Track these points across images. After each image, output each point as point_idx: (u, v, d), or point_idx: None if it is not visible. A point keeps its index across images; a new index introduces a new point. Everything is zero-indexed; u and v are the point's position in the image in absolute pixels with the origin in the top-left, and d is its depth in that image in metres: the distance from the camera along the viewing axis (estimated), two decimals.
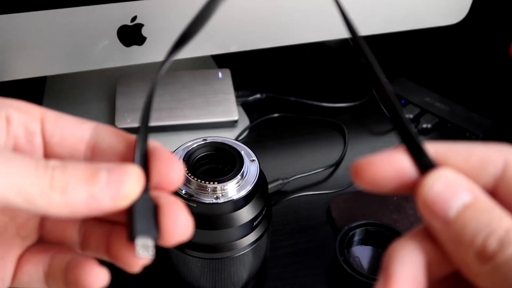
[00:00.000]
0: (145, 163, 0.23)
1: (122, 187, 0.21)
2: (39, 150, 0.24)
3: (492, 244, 0.18)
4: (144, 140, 0.23)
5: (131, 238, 0.22)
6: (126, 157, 0.24)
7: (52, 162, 0.20)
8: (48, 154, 0.24)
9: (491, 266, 0.18)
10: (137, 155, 0.22)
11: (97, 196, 0.20)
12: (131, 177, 0.21)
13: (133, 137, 0.24)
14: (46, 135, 0.24)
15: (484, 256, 0.18)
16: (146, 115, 0.24)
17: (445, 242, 0.19)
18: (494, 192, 0.20)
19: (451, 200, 0.19)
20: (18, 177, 0.19)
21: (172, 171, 0.22)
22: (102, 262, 0.27)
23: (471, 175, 0.20)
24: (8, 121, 0.22)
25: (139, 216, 0.21)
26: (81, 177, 0.20)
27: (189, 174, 0.37)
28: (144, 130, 0.23)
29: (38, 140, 0.23)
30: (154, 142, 0.24)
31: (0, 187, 0.19)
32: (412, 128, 0.22)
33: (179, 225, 0.22)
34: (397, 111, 0.22)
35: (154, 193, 0.22)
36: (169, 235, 0.22)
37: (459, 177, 0.19)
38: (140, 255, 0.23)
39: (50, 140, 0.23)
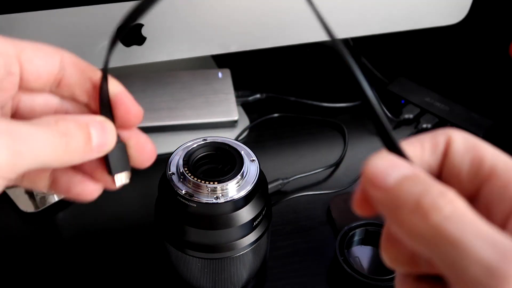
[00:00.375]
0: (110, 109, 0.28)
1: (106, 143, 0.27)
2: (16, 87, 0.28)
3: (427, 201, 0.19)
4: (106, 91, 0.28)
5: (111, 174, 0.29)
6: (91, 95, 0.29)
7: (62, 128, 0.25)
8: (23, 88, 0.28)
9: (422, 223, 0.18)
10: (106, 108, 0.28)
11: (91, 152, 0.26)
12: (110, 133, 0.27)
13: (96, 73, 0.30)
14: (24, 74, 0.27)
15: (418, 213, 0.19)
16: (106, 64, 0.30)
17: (383, 210, 0.20)
18: (442, 170, 0.22)
19: (391, 172, 0.20)
20: (43, 147, 0.24)
21: (132, 116, 0.28)
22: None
23: (427, 161, 0.22)
24: None
25: (113, 157, 0.28)
26: (83, 142, 0.26)
27: (189, 174, 0.37)
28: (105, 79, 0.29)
29: (17, 79, 0.27)
30: (114, 84, 0.29)
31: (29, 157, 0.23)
32: (390, 131, 0.23)
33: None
34: (377, 115, 0.23)
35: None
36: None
37: (401, 159, 0.21)
38: (119, 184, 0.30)
39: (27, 78, 0.28)
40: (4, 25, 0.47)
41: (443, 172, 0.22)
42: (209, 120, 0.60)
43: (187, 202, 0.36)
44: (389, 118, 0.63)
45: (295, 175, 0.55)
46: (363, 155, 0.60)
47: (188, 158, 0.38)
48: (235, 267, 0.40)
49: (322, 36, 0.59)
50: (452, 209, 0.18)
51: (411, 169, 0.20)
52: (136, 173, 0.59)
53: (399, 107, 0.64)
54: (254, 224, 0.39)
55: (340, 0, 0.55)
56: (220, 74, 0.64)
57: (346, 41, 0.72)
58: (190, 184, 0.37)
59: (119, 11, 0.49)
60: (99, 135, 0.26)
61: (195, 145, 0.39)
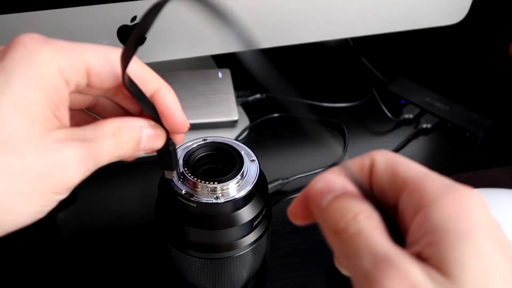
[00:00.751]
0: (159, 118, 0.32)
1: (153, 147, 0.31)
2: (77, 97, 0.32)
3: (340, 224, 0.23)
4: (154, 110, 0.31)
5: (160, 168, 0.34)
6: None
7: (119, 137, 0.29)
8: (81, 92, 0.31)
9: (338, 240, 0.24)
10: (155, 120, 0.32)
11: (138, 151, 0.31)
12: (159, 138, 0.31)
13: (157, 82, 0.32)
14: (89, 84, 0.30)
15: (335, 232, 0.24)
16: None
17: (319, 224, 0.25)
18: (372, 188, 0.26)
19: (326, 194, 0.24)
20: (104, 152, 0.29)
21: (179, 127, 0.32)
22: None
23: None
24: (61, 72, 0.28)
25: (161, 155, 0.32)
26: (133, 144, 0.30)
27: (189, 174, 0.37)
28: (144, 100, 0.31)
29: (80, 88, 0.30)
30: (169, 96, 0.32)
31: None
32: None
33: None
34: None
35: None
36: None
37: (338, 177, 0.25)
38: (167, 177, 0.36)
39: (90, 87, 0.30)
40: (4, 25, 0.47)
41: (373, 189, 0.26)
42: (209, 120, 0.60)
43: (187, 202, 0.36)
44: (389, 118, 0.63)
45: (295, 175, 0.55)
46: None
47: (188, 158, 0.38)
48: (235, 267, 0.40)
49: (322, 36, 0.59)
50: (355, 229, 0.23)
51: (343, 187, 0.25)
52: (136, 173, 0.59)
53: (399, 107, 0.64)
54: (254, 224, 0.39)
55: (340, 0, 0.55)
56: (220, 74, 0.64)
57: (346, 41, 0.72)
58: (190, 184, 0.37)
59: (119, 11, 0.50)
60: (148, 140, 0.30)
61: (195, 145, 0.39)
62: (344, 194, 0.24)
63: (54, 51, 0.28)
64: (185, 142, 0.40)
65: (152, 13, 0.26)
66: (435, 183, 0.24)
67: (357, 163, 0.27)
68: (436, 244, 0.22)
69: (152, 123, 0.31)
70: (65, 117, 0.29)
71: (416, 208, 0.23)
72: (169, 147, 0.32)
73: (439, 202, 0.23)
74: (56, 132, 0.27)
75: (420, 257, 0.22)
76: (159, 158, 0.33)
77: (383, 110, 0.63)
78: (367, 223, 0.23)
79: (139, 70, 0.30)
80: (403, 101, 0.65)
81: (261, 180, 0.39)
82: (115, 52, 0.29)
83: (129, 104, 0.33)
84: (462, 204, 0.22)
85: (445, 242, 0.22)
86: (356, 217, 0.23)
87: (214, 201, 0.36)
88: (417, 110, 0.64)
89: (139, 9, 0.50)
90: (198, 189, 0.37)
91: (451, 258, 0.21)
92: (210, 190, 0.36)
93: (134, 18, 0.50)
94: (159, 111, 0.31)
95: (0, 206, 0.26)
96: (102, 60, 0.29)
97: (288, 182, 0.55)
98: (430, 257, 0.22)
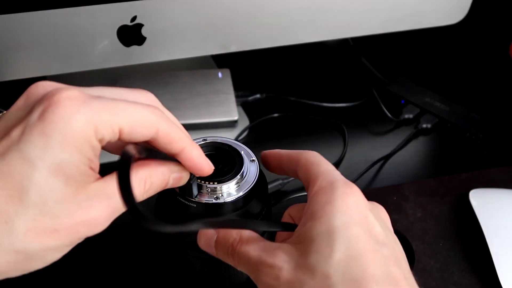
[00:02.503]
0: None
1: (178, 184, 0.34)
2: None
3: (229, 259, 0.33)
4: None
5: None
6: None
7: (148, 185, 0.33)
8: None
9: (238, 266, 0.33)
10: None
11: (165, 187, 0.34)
12: (184, 179, 0.34)
13: (184, 143, 0.33)
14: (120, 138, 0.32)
15: (229, 254, 0.33)
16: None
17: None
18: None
19: (210, 247, 0.34)
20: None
21: (206, 173, 0.35)
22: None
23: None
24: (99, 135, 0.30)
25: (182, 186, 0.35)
26: (162, 186, 0.33)
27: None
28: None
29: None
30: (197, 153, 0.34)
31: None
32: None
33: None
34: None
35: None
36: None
37: (211, 231, 0.34)
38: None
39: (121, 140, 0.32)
40: (4, 25, 0.47)
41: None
42: (209, 120, 0.60)
43: (187, 202, 0.36)
44: (389, 118, 0.63)
45: None
46: (363, 155, 0.60)
47: None
48: (235, 267, 0.40)
49: (322, 36, 0.59)
50: (236, 256, 0.33)
51: (215, 237, 0.34)
52: None
53: (399, 107, 0.64)
54: None
55: (340, 0, 0.55)
56: (220, 74, 0.64)
57: (346, 41, 0.72)
58: None
59: (119, 11, 0.50)
60: (174, 182, 0.33)
61: None
62: (218, 235, 0.33)
63: (91, 114, 0.29)
64: None
65: (123, 169, 0.28)
66: (324, 179, 0.33)
67: (290, 156, 0.37)
68: (301, 225, 0.31)
69: (180, 166, 0.33)
70: (97, 164, 0.31)
71: (310, 197, 0.33)
72: (190, 181, 0.35)
73: (317, 194, 0.32)
74: (89, 188, 0.30)
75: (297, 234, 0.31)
76: (180, 186, 0.36)
77: (383, 110, 0.63)
78: (239, 247, 0.32)
79: (169, 131, 0.32)
80: (403, 101, 0.65)
81: (261, 180, 0.39)
82: (149, 112, 0.31)
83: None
84: (330, 197, 0.31)
85: (304, 222, 0.31)
86: (232, 246, 0.33)
87: (214, 201, 0.36)
88: (417, 110, 0.64)
89: (139, 9, 0.50)
90: (198, 189, 0.37)
91: (304, 233, 0.30)
92: (210, 190, 0.36)
93: (134, 18, 0.50)
94: (186, 167, 0.34)
95: (28, 257, 0.29)
96: (135, 121, 0.30)
97: (288, 182, 0.55)
98: (297, 233, 0.31)
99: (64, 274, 0.48)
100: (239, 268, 0.33)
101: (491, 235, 0.48)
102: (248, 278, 0.43)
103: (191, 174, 0.35)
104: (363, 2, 0.56)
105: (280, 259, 0.30)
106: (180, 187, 0.36)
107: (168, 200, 0.38)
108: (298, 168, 0.35)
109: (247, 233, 0.33)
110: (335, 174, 0.33)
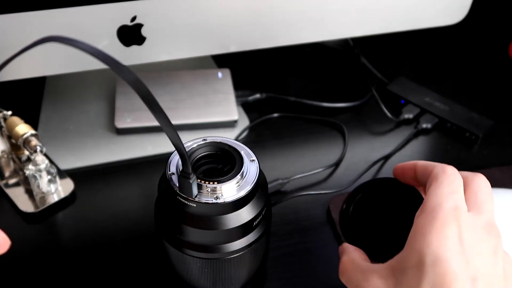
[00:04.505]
0: None
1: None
2: None
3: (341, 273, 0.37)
4: None
5: None
6: None
7: None
8: None
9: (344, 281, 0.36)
10: None
11: None
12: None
13: None
14: None
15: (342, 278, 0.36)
16: None
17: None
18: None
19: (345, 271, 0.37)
20: None
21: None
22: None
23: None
24: None
25: (182, 186, 0.36)
26: None
27: None
28: None
29: None
30: None
31: None
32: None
33: None
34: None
35: None
36: None
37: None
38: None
39: None
40: (4, 25, 0.47)
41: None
42: (209, 120, 0.60)
43: (186, 202, 0.36)
44: (389, 118, 0.63)
45: (295, 175, 0.55)
46: (363, 155, 0.60)
47: (188, 158, 0.38)
48: (235, 267, 0.40)
49: (322, 36, 0.59)
50: (343, 268, 0.36)
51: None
52: (136, 173, 0.60)
53: (399, 107, 0.64)
54: (254, 224, 0.39)
55: (340, 0, 0.55)
56: (220, 74, 0.64)
57: (346, 41, 0.72)
58: None
59: (119, 11, 0.50)
60: None
61: (195, 145, 0.39)
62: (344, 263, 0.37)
63: None
64: (185, 142, 0.40)
65: None
66: (431, 202, 0.32)
67: (424, 167, 0.37)
68: (405, 247, 0.32)
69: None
70: None
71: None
72: (190, 181, 0.35)
73: (419, 218, 0.32)
74: None
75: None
76: (179, 185, 0.36)
77: (383, 110, 0.63)
78: (343, 271, 0.36)
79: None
80: (403, 101, 0.65)
81: (261, 180, 0.39)
82: None
83: None
84: (427, 225, 0.31)
85: (407, 243, 0.32)
86: (343, 262, 0.36)
87: (214, 201, 0.36)
88: (417, 110, 0.64)
89: (139, 9, 0.50)
90: (198, 189, 0.37)
91: (401, 260, 0.31)
92: (210, 190, 0.36)
93: (134, 18, 0.50)
94: None
95: None
96: None
97: (288, 182, 0.55)
98: (399, 255, 0.32)
99: (64, 274, 0.48)
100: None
101: None
102: (248, 279, 0.43)
103: (191, 174, 0.35)
104: (363, 2, 0.56)
105: (373, 284, 0.32)
106: (180, 187, 0.36)
107: (168, 200, 0.38)
108: (427, 182, 0.35)
109: (349, 255, 0.36)
110: (446, 198, 0.32)
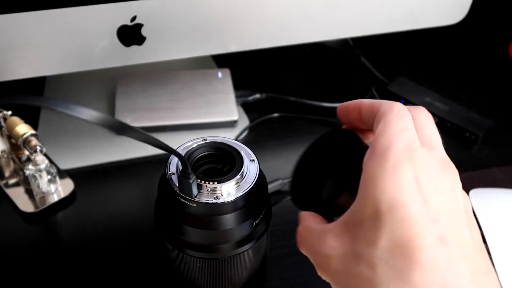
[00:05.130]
0: None
1: None
2: None
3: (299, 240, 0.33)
4: None
5: None
6: None
7: None
8: None
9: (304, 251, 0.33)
10: None
11: None
12: None
13: None
14: None
15: (301, 248, 0.34)
16: None
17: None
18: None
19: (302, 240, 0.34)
20: None
21: None
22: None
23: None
24: None
25: (182, 186, 0.36)
26: None
27: None
28: None
29: None
30: None
31: None
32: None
33: None
34: None
35: None
36: None
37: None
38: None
39: None
40: (4, 25, 0.47)
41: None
42: (209, 120, 0.60)
43: (186, 202, 0.36)
44: None
45: None
46: None
47: (188, 158, 0.38)
48: (235, 267, 0.40)
49: (322, 36, 0.59)
50: (300, 239, 0.33)
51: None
52: (136, 173, 0.59)
53: None
54: (254, 224, 0.39)
55: (340, 0, 0.55)
56: (220, 74, 0.64)
57: (346, 41, 0.72)
58: None
59: (119, 11, 0.50)
60: None
61: (195, 145, 0.39)
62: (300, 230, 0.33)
63: None
64: (185, 142, 0.40)
65: None
66: (378, 144, 0.29)
67: (370, 105, 0.33)
68: (356, 201, 0.29)
69: None
70: None
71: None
72: (189, 181, 0.35)
73: (368, 164, 0.29)
74: None
75: None
76: (179, 185, 0.36)
77: None
78: (301, 240, 0.33)
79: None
80: (403, 101, 0.65)
81: (261, 180, 0.39)
82: None
83: None
84: (378, 171, 0.28)
85: (358, 196, 0.29)
86: (299, 239, 0.33)
87: (214, 201, 0.36)
88: None
89: (139, 9, 0.50)
90: (197, 189, 0.37)
91: (355, 213, 0.28)
92: (210, 190, 0.36)
93: (134, 18, 0.50)
94: None
95: None
96: None
97: (288, 182, 0.55)
98: (352, 209, 0.29)
99: (64, 274, 0.48)
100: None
101: (491, 235, 0.48)
102: (248, 278, 0.43)
103: (191, 174, 0.35)
104: (363, 2, 0.56)
105: (328, 246, 0.29)
106: (180, 187, 0.36)
107: (168, 200, 0.38)
108: (375, 122, 0.31)
109: (304, 223, 0.33)
110: (397, 137, 0.29)
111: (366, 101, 0.33)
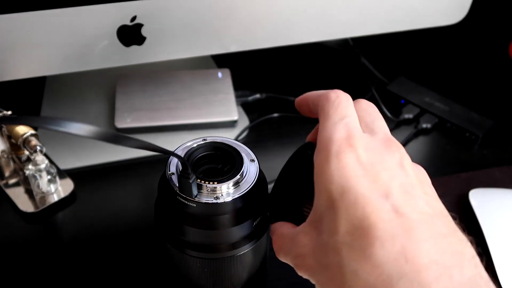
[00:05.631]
0: None
1: None
2: None
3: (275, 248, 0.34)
4: None
5: None
6: None
7: None
8: None
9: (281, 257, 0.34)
10: None
11: None
12: None
13: None
14: None
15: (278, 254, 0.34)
16: None
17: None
18: None
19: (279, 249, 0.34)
20: None
21: None
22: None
23: None
24: None
25: (182, 186, 0.36)
26: None
27: None
28: None
29: None
30: None
31: None
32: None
33: None
34: None
35: None
36: None
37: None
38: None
39: None
40: (4, 25, 0.47)
41: None
42: (209, 120, 0.60)
43: (186, 202, 0.36)
44: (389, 118, 0.63)
45: None
46: None
47: (188, 158, 0.38)
48: (235, 267, 0.40)
49: (322, 36, 0.59)
50: (276, 247, 0.34)
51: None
52: (136, 173, 0.59)
53: (399, 107, 0.64)
54: (254, 224, 0.39)
55: (340, 0, 0.55)
56: (220, 74, 0.64)
57: (346, 41, 0.72)
58: None
59: (119, 11, 0.50)
60: None
61: (194, 145, 0.39)
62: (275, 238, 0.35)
63: None
64: (185, 142, 0.40)
65: None
66: (321, 139, 0.30)
67: (318, 98, 0.34)
68: (315, 195, 0.30)
69: None
70: None
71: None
72: (189, 181, 0.35)
73: (316, 159, 0.30)
74: None
75: None
76: (179, 185, 0.36)
77: (383, 110, 0.63)
78: (276, 247, 0.34)
79: None
80: (403, 101, 0.65)
81: (261, 180, 0.39)
82: None
83: None
84: (324, 164, 0.29)
85: (316, 192, 0.30)
86: (274, 245, 0.34)
87: (214, 201, 0.36)
88: (417, 110, 0.64)
89: (139, 9, 0.50)
90: (197, 189, 0.37)
91: (316, 209, 0.30)
92: (210, 190, 0.36)
93: (133, 18, 0.50)
94: None
95: None
96: None
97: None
98: (314, 207, 0.30)
99: (64, 274, 0.48)
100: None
101: (491, 235, 0.48)
102: (248, 278, 0.43)
103: (191, 174, 0.35)
104: (363, 2, 0.56)
105: (301, 246, 0.30)
106: (180, 187, 0.36)
107: (168, 200, 0.38)
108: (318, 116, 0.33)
109: (277, 231, 0.34)
110: (336, 128, 0.30)
111: (311, 95, 0.35)
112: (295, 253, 0.31)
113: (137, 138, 0.30)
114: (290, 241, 0.32)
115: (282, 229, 0.34)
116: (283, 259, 0.33)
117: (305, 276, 0.31)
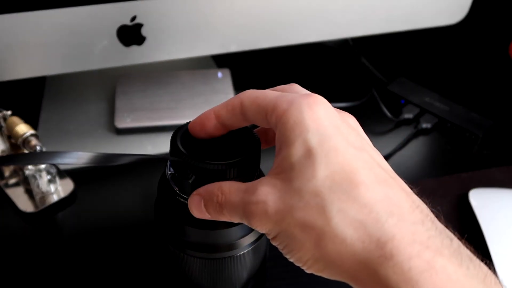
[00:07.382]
0: None
1: None
2: None
3: (214, 213, 0.33)
4: None
5: None
6: None
7: None
8: None
9: (225, 214, 0.32)
10: None
11: None
12: None
13: None
14: None
15: (220, 212, 0.32)
16: None
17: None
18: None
19: (203, 211, 0.33)
20: None
21: None
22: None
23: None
24: None
25: (182, 186, 0.36)
26: None
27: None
28: None
29: None
30: None
31: None
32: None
33: None
34: None
35: None
36: None
37: (197, 199, 0.33)
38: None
39: None
40: (4, 25, 0.47)
41: (250, 121, 0.35)
42: None
43: (186, 202, 0.36)
44: (389, 118, 0.63)
45: None
46: None
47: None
48: (235, 267, 0.40)
49: (322, 36, 0.59)
50: (221, 208, 0.32)
51: (202, 201, 0.33)
52: (136, 173, 0.59)
53: (399, 107, 0.64)
54: None
55: (340, 0, 0.55)
56: (220, 74, 0.64)
57: (346, 41, 0.72)
58: None
59: (119, 11, 0.50)
60: None
61: None
62: (204, 200, 0.33)
63: None
64: None
65: None
66: (282, 102, 0.31)
67: (229, 107, 0.36)
68: (277, 154, 0.30)
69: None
70: None
71: (275, 126, 0.31)
72: (188, 181, 0.35)
73: (282, 119, 0.30)
74: None
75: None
76: (179, 186, 0.36)
77: (383, 110, 0.63)
78: (223, 201, 0.31)
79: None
80: (403, 101, 0.65)
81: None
82: None
83: None
84: (296, 117, 0.29)
85: (279, 150, 0.30)
86: (218, 204, 0.32)
87: None
88: (417, 110, 0.64)
89: (139, 9, 0.50)
90: None
91: (282, 162, 0.29)
92: None
93: (133, 18, 0.50)
94: None
95: None
96: None
97: None
98: (275, 164, 0.30)
99: (64, 274, 0.48)
100: (235, 221, 0.32)
101: (491, 235, 0.48)
102: (248, 278, 0.43)
103: (190, 173, 0.35)
104: (363, 2, 0.56)
105: (262, 193, 0.29)
106: (180, 187, 0.36)
107: (168, 200, 0.38)
108: (247, 115, 0.33)
109: (227, 185, 0.32)
110: (288, 92, 0.32)
111: (217, 109, 0.38)
112: (253, 200, 0.29)
113: (129, 153, 0.31)
114: (245, 191, 0.30)
115: (233, 183, 0.32)
116: (229, 210, 0.31)
117: (259, 227, 0.30)
